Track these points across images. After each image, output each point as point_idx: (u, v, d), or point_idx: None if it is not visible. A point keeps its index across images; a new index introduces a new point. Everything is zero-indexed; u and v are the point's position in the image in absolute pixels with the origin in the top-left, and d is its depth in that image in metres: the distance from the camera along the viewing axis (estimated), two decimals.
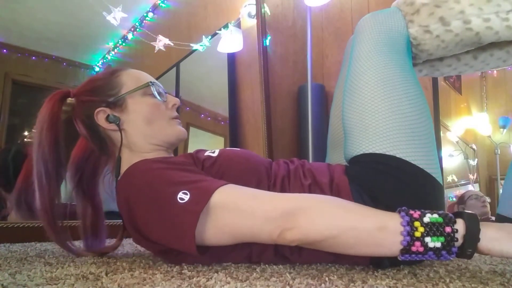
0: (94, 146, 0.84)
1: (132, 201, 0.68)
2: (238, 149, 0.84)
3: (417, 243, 0.56)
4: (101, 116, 0.78)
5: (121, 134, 0.78)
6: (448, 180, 2.50)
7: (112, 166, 0.82)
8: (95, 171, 0.89)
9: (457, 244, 0.57)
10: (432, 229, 0.56)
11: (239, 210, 0.61)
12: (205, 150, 0.80)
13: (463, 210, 0.60)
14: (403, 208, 0.60)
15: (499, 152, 2.74)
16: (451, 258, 0.58)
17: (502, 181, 2.32)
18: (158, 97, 0.81)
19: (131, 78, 0.82)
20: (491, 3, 0.81)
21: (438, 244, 0.56)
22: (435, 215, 0.58)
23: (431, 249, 0.56)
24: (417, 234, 0.56)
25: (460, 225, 0.57)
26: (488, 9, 0.81)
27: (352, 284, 0.55)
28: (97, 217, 0.89)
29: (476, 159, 2.76)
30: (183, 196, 0.61)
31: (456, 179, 2.59)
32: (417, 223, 0.57)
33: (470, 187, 2.63)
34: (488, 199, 2.16)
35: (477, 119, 2.88)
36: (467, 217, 0.58)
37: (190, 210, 0.60)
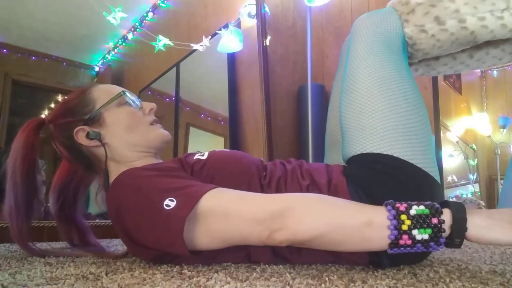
0: (80, 166, 0.84)
1: (122, 209, 0.68)
2: (228, 150, 0.84)
3: (405, 236, 0.56)
4: (81, 135, 0.78)
5: (105, 148, 0.77)
6: (448, 180, 2.50)
7: (101, 181, 0.81)
8: (76, 195, 0.90)
9: (445, 234, 0.57)
10: (419, 221, 0.56)
11: (227, 214, 0.61)
12: (194, 154, 0.80)
13: (449, 200, 0.60)
14: (389, 201, 0.60)
15: (499, 152, 2.74)
16: (440, 249, 0.58)
17: (502, 181, 2.32)
18: (133, 104, 0.81)
19: (103, 92, 0.81)
20: (486, 2, 0.81)
21: (426, 236, 0.56)
22: (422, 207, 0.58)
23: (419, 241, 0.56)
24: (404, 227, 0.56)
25: (446, 215, 0.57)
26: (483, 7, 0.81)
27: (352, 284, 0.55)
28: (84, 236, 0.90)
29: (476, 159, 2.75)
30: (169, 203, 0.61)
31: (456, 179, 2.58)
32: (403, 216, 0.57)
33: (470, 187, 2.63)
34: (482, 203, 2.18)
35: (477, 119, 2.88)
36: (453, 207, 0.58)
37: (175, 216, 0.60)
